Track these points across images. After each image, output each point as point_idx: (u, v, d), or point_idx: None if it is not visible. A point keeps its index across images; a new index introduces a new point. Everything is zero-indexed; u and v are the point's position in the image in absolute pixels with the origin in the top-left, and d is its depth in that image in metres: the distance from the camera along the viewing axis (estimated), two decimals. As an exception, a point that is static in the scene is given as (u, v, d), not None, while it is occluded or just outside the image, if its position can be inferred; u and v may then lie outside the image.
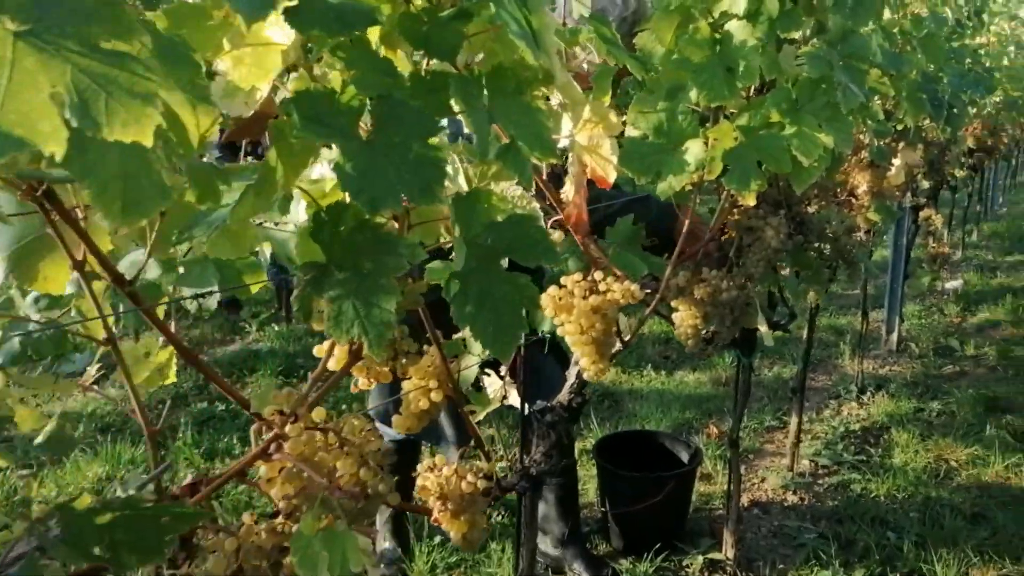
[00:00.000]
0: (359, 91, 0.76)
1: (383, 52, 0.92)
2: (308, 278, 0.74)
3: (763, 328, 1.72)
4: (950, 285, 5.15)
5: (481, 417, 1.17)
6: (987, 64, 3.95)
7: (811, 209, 2.24)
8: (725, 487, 2.76)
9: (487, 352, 0.81)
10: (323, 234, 0.75)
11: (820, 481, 2.83)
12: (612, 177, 1.05)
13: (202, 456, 2.91)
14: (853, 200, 2.90)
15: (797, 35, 1.59)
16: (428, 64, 0.92)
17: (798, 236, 1.85)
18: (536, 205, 1.01)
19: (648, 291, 1.57)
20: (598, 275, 1.16)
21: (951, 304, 4.92)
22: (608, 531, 2.46)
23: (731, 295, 1.55)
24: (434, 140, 0.96)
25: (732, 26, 1.42)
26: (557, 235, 1.17)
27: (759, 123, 1.44)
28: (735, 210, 1.70)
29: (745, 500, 2.70)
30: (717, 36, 1.41)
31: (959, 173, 4.55)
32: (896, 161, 2.94)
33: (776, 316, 2.24)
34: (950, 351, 4.16)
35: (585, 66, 1.19)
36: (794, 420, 2.84)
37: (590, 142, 1.02)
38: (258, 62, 0.78)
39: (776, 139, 1.41)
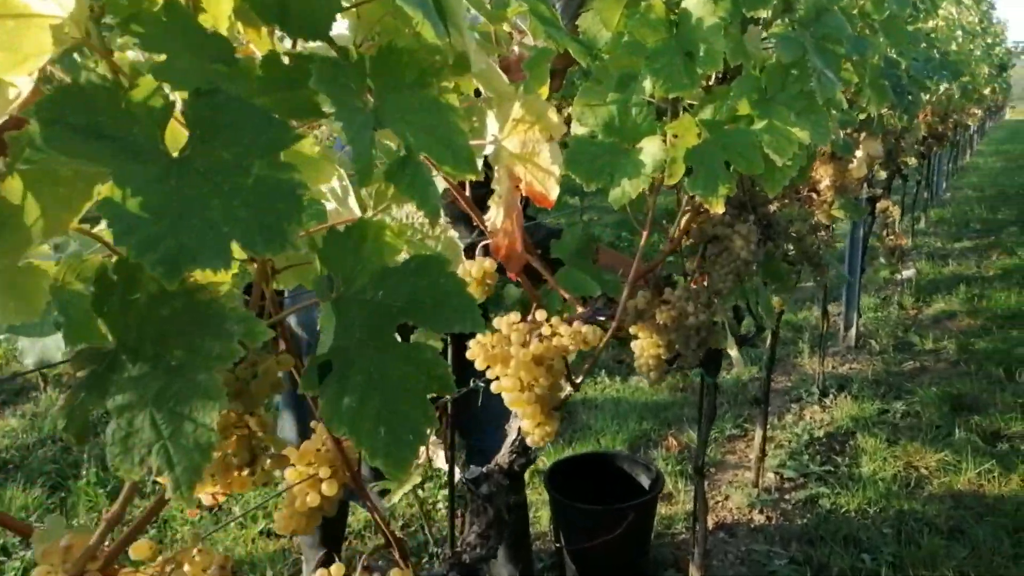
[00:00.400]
0: (165, 84, 0.50)
1: (243, 32, 0.67)
2: (85, 375, 0.48)
3: (734, 352, 1.51)
4: (904, 275, 5.06)
5: (397, 499, 0.92)
6: (939, 49, 3.83)
7: (772, 208, 2.03)
8: (687, 507, 2.56)
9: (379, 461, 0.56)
10: (110, 304, 0.49)
11: (787, 496, 2.64)
12: (554, 193, 0.81)
13: (108, 496, 2.59)
14: (814, 196, 2.72)
15: (764, 14, 1.38)
16: (294, 46, 0.66)
17: (768, 243, 1.64)
18: (453, 235, 0.77)
19: (603, 317, 1.34)
20: (540, 315, 0.92)
21: (906, 295, 4.83)
22: (564, 567, 2.23)
23: (699, 319, 1.33)
24: (307, 146, 0.71)
25: (690, 3, 1.20)
26: (488, 264, 0.93)
27: (725, 116, 1.23)
28: (697, 216, 1.47)
29: (710, 522, 2.50)
30: (673, 16, 1.19)
31: (911, 161, 4.44)
32: (859, 153, 2.77)
33: (742, 329, 2.04)
34: (909, 346, 4.04)
35: (516, 49, 0.95)
36: (758, 433, 2.65)
37: (523, 148, 0.77)
38: (9, 43, 0.51)
39: (745, 135, 1.20)
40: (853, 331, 4.10)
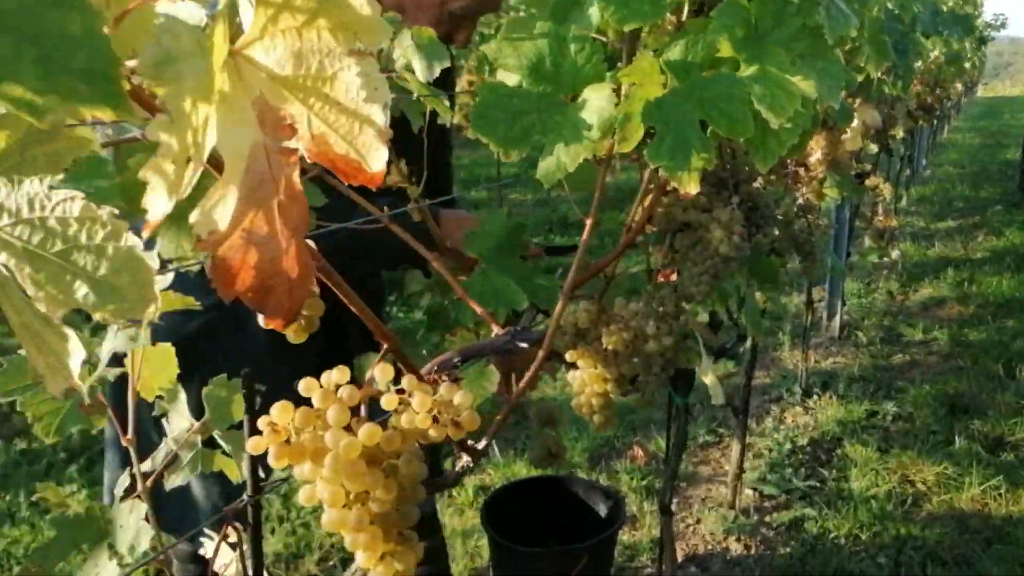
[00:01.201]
0: None
1: None
2: None
3: (710, 380, 1.14)
4: (892, 257, 4.74)
5: None
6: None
7: (756, 186, 1.65)
8: (654, 533, 2.21)
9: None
10: None
11: (768, 519, 2.30)
12: (379, 160, 0.42)
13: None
14: (802, 172, 2.34)
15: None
16: None
17: (757, 233, 1.26)
18: (135, 244, 0.37)
19: (525, 344, 0.97)
20: (381, 373, 0.53)
21: (891, 280, 4.50)
22: (505, 615, 1.87)
23: (663, 343, 0.95)
24: None
25: None
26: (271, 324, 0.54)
27: (701, 59, 0.86)
28: (663, 196, 1.07)
29: (679, 552, 2.15)
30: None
31: (900, 134, 4.09)
32: (854, 122, 2.41)
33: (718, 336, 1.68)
34: (897, 337, 3.71)
35: None
36: (736, 447, 2.30)
37: (299, 67, 0.38)
38: None
39: (728, 84, 0.83)
40: (837, 320, 3.77)
